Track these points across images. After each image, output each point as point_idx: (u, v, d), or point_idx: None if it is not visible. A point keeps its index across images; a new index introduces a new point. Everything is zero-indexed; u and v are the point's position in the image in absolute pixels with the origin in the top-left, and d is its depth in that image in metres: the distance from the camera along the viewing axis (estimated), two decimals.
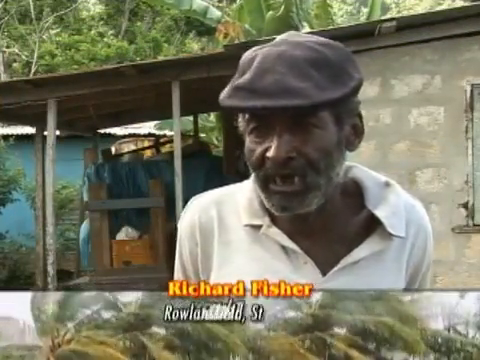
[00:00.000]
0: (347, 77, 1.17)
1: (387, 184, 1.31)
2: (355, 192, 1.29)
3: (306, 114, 1.15)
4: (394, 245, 1.27)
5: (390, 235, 1.24)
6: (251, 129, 1.20)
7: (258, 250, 1.28)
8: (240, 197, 1.32)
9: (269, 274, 1.22)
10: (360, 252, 1.24)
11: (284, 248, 1.27)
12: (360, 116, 1.25)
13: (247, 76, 1.15)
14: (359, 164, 1.35)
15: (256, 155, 1.19)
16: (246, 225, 1.29)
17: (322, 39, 1.21)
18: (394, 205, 1.27)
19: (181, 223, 1.37)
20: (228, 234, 1.31)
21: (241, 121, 1.23)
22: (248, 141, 1.21)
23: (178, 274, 1.39)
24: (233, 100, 1.15)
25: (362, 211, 1.27)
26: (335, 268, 1.24)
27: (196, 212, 1.35)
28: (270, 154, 1.16)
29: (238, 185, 1.37)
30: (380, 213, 1.24)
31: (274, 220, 1.27)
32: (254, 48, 1.20)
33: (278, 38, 1.23)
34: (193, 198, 1.39)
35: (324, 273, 1.25)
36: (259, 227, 1.28)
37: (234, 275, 1.23)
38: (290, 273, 1.25)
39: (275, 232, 1.27)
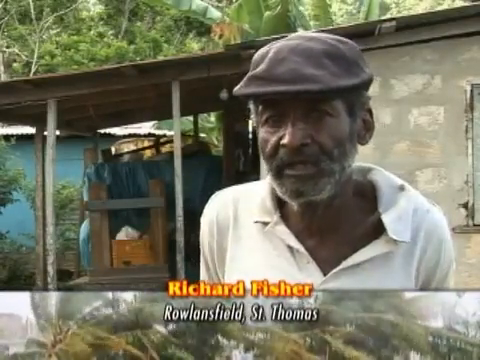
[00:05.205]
0: (359, 69, 1.19)
1: (401, 188, 1.30)
2: (370, 194, 1.29)
3: (320, 101, 1.16)
4: (402, 250, 1.25)
5: (395, 240, 1.23)
6: (265, 119, 1.20)
7: (266, 247, 1.30)
8: (256, 194, 1.33)
9: (274, 272, 1.23)
10: (362, 255, 1.24)
11: (290, 247, 1.27)
12: (370, 111, 1.27)
13: (262, 66, 1.17)
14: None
15: (270, 144, 1.19)
16: (256, 222, 1.30)
17: (334, 36, 1.24)
18: (402, 210, 1.26)
19: (202, 219, 1.40)
20: (240, 230, 1.33)
21: (254, 115, 1.24)
22: (262, 132, 1.22)
23: (202, 267, 1.43)
24: (248, 88, 1.17)
25: (373, 214, 1.27)
26: (335, 269, 1.24)
27: (215, 208, 1.37)
28: (285, 141, 1.16)
29: (256, 183, 1.39)
30: (386, 217, 1.24)
31: (284, 217, 1.28)
32: (267, 45, 1.23)
33: (291, 35, 1.26)
34: (215, 194, 1.41)
35: (326, 274, 1.25)
36: (268, 224, 1.29)
37: (242, 271, 1.26)
38: (294, 272, 1.25)
39: (281, 230, 1.27)
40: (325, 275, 1.25)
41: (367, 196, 1.29)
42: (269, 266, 1.27)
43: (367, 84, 1.21)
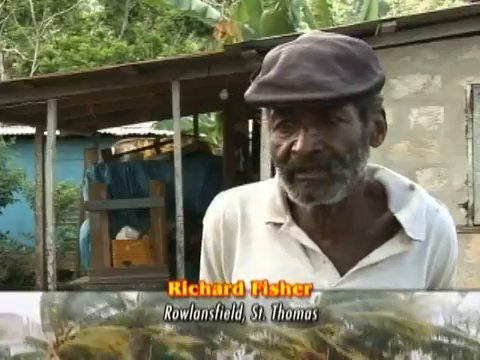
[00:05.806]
0: (371, 73, 1.18)
1: (411, 187, 1.30)
2: (380, 194, 1.29)
3: (331, 108, 1.16)
4: (414, 250, 1.26)
5: (410, 239, 1.24)
6: (277, 124, 1.20)
7: (278, 248, 1.29)
8: (264, 195, 1.32)
9: (288, 273, 1.23)
10: (379, 254, 1.24)
11: (304, 247, 1.27)
12: (383, 113, 1.26)
13: (272, 72, 1.17)
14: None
15: (282, 149, 1.19)
16: (267, 223, 1.29)
17: (345, 36, 1.23)
18: (416, 209, 1.26)
19: (206, 218, 1.38)
20: (250, 231, 1.32)
21: (265, 118, 1.24)
22: (273, 136, 1.21)
23: (203, 269, 1.40)
24: (259, 95, 1.17)
25: (385, 213, 1.27)
26: (352, 269, 1.24)
27: (221, 208, 1.36)
28: (296, 148, 1.16)
29: (263, 183, 1.39)
30: (401, 216, 1.24)
31: (295, 218, 1.28)
32: (277, 47, 1.22)
33: (301, 36, 1.25)
34: (219, 194, 1.40)
35: (342, 273, 1.25)
36: (280, 225, 1.28)
37: (253, 273, 1.25)
38: (309, 272, 1.25)
39: (295, 231, 1.27)
40: (341, 275, 1.25)
41: (376, 196, 1.29)
42: (283, 268, 1.26)
43: (379, 87, 1.20)
